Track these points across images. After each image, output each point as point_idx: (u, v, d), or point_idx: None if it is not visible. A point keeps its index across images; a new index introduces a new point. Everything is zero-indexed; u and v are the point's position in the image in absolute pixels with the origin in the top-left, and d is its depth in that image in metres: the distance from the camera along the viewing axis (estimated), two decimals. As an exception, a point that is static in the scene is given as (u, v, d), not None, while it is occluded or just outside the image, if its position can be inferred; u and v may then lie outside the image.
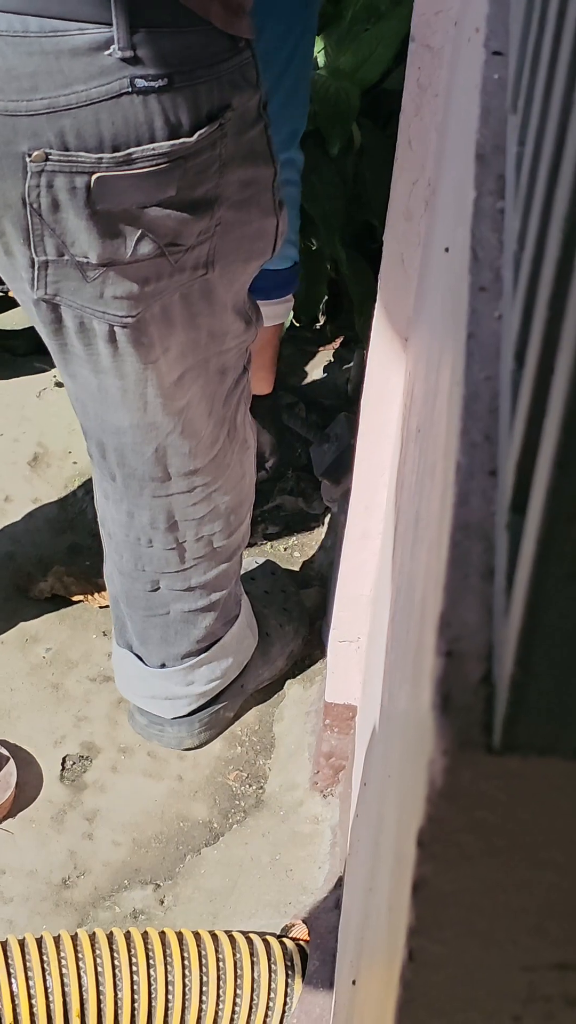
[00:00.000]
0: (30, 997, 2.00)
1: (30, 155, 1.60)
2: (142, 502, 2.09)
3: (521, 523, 0.58)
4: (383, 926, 0.86)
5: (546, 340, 0.56)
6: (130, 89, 1.57)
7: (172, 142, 1.62)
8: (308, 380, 3.26)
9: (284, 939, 2.12)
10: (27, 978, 2.00)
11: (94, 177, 1.61)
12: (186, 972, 2.03)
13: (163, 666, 2.37)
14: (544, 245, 0.61)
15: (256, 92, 1.71)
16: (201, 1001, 2.03)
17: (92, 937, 2.04)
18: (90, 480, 2.92)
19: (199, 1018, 2.04)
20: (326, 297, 3.25)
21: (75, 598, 2.73)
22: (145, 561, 2.19)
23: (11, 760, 2.41)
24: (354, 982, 1.31)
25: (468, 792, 0.58)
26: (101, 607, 2.70)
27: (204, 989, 2.03)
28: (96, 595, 2.72)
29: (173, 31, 1.58)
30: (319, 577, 2.82)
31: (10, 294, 3.29)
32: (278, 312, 2.73)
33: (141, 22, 1.55)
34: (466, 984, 0.65)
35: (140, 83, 1.57)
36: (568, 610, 0.52)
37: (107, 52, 1.55)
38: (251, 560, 2.72)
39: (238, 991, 2.04)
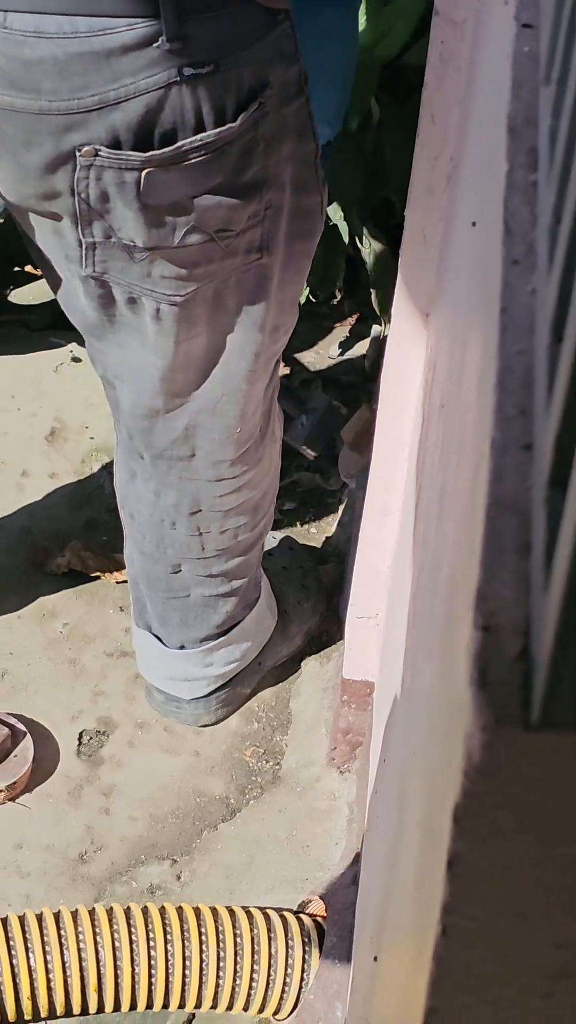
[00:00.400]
0: (47, 971, 2.00)
1: (80, 150, 1.60)
2: (170, 481, 2.08)
3: (560, 498, 0.58)
4: (410, 902, 0.86)
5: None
6: (178, 79, 1.57)
7: (219, 129, 1.62)
8: (325, 357, 3.25)
9: (301, 915, 2.12)
10: (44, 952, 2.00)
11: (143, 173, 1.62)
12: (203, 947, 2.03)
13: (182, 647, 2.36)
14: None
15: (295, 64, 1.70)
16: (218, 976, 2.03)
17: (109, 912, 2.04)
18: (107, 454, 2.92)
19: (215, 993, 2.04)
20: (343, 273, 3.24)
21: (92, 573, 2.73)
22: (168, 543, 2.19)
23: (28, 735, 2.41)
24: (376, 958, 1.31)
25: (505, 768, 0.57)
26: (118, 582, 2.70)
27: (221, 964, 2.03)
28: (114, 571, 2.72)
29: (217, 15, 1.58)
30: (336, 553, 2.82)
31: (27, 269, 3.29)
32: None
33: (188, 10, 1.55)
34: (498, 960, 0.65)
35: (188, 71, 1.57)
36: (610, 585, 0.51)
37: (155, 45, 1.55)
38: (268, 536, 2.71)
39: (255, 967, 2.04)
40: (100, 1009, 2.04)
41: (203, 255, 1.74)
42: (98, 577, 2.73)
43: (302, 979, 2.05)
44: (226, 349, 1.91)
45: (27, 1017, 2.03)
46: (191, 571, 2.23)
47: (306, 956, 2.06)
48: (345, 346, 3.28)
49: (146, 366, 1.89)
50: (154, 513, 2.15)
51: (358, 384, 3.16)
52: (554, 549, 0.56)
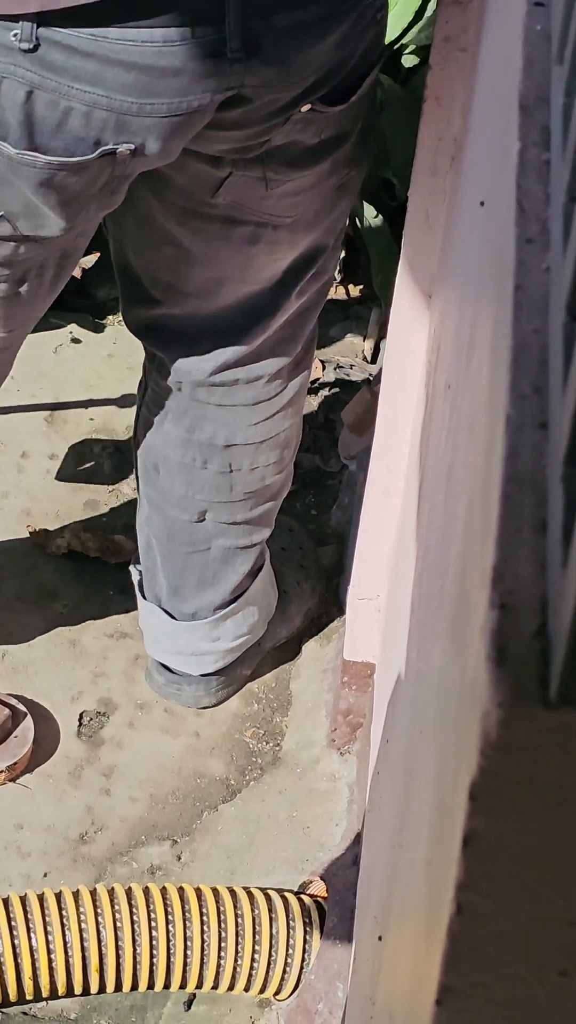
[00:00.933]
0: (49, 951, 2.00)
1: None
2: (207, 412, 2.14)
3: (578, 475, 0.58)
4: (421, 880, 0.86)
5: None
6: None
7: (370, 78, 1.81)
8: (325, 339, 3.25)
9: (302, 895, 2.12)
10: (46, 932, 2.01)
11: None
12: (204, 928, 2.03)
13: (193, 616, 2.36)
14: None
15: None
16: (219, 957, 2.03)
17: (110, 892, 2.04)
18: (107, 435, 2.92)
19: (216, 974, 2.04)
20: (344, 254, 3.23)
21: (92, 555, 2.73)
22: (196, 487, 2.20)
23: (28, 716, 2.42)
24: (380, 938, 1.31)
25: (522, 745, 0.58)
26: (117, 564, 2.70)
27: (222, 945, 2.03)
28: (114, 552, 2.72)
29: None
30: (336, 535, 2.82)
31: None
32: None
33: None
34: (513, 938, 0.65)
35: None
36: (632, 562, 0.51)
37: None
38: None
39: (256, 947, 2.04)
40: (101, 989, 2.04)
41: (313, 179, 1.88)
42: (98, 558, 2.73)
43: (303, 959, 2.06)
44: (295, 264, 2.01)
45: (28, 997, 2.03)
46: (215, 518, 2.25)
47: (307, 936, 2.06)
48: (345, 328, 3.28)
49: (232, 285, 1.98)
50: (186, 453, 2.18)
51: (358, 366, 3.16)
52: (572, 526, 0.56)
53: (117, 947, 2.01)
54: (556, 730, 0.57)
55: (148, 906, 2.03)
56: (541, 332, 0.71)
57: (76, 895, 2.04)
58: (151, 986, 2.05)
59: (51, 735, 2.47)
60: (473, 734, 0.59)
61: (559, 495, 0.60)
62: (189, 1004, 2.15)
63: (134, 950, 2.02)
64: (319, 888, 2.16)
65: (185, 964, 2.03)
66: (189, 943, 2.03)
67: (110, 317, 3.24)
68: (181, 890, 2.06)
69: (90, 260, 3.21)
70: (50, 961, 2.01)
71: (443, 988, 0.68)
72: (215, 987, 2.06)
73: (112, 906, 2.03)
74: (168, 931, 2.03)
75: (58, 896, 2.04)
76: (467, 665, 0.66)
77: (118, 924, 2.02)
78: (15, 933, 2.01)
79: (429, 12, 2.99)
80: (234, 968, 2.04)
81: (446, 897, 0.66)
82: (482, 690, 0.58)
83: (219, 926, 2.04)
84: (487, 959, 0.66)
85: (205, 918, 2.04)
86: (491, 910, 0.64)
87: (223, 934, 2.04)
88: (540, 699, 0.56)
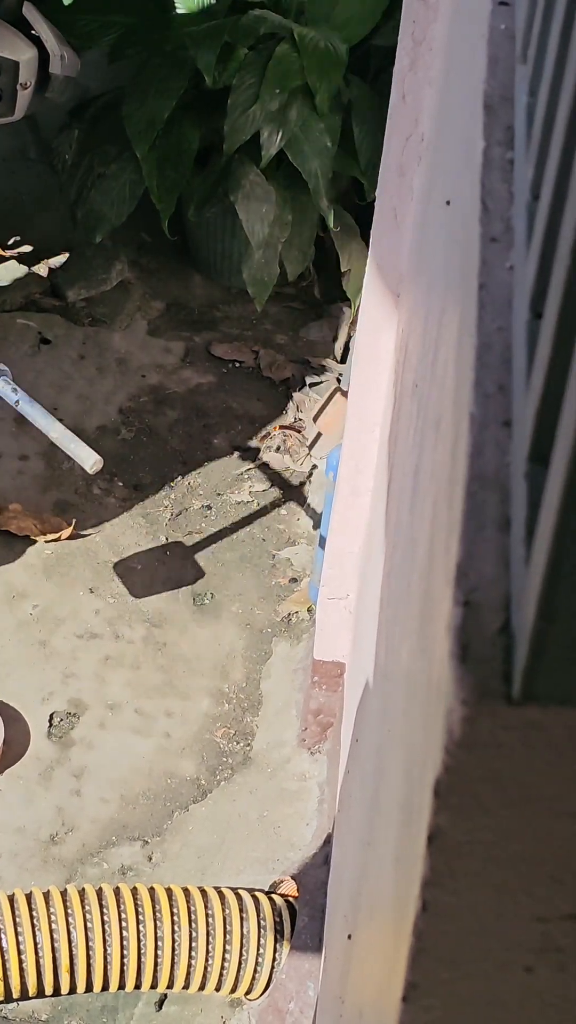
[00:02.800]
0: (19, 952, 2.00)
1: None
2: None
3: (541, 472, 0.58)
4: (388, 878, 0.86)
5: (568, 289, 0.55)
6: None
7: None
8: (296, 339, 3.25)
9: (273, 895, 2.12)
10: (16, 933, 2.00)
11: None
12: (175, 928, 2.03)
13: None
14: (564, 194, 0.60)
15: None
16: (190, 957, 2.03)
17: (81, 893, 2.04)
18: (78, 436, 2.92)
19: (187, 974, 2.04)
20: (314, 255, 3.24)
21: (21, 533, 2.74)
22: None
23: (-1, 718, 2.41)
24: (350, 937, 1.31)
25: (486, 742, 0.58)
26: (47, 541, 2.72)
27: (193, 945, 2.03)
28: (45, 532, 2.74)
29: None
30: (306, 535, 2.82)
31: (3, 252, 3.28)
32: None
33: None
34: (479, 935, 0.65)
35: None
36: (594, 558, 0.51)
37: None
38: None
39: (227, 947, 2.04)
40: (72, 990, 2.04)
41: None
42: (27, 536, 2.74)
43: (274, 959, 2.05)
44: None
45: (-1, 998, 2.03)
46: None
47: (278, 936, 2.06)
48: (315, 329, 3.28)
49: None
50: None
51: (328, 366, 3.16)
52: (535, 523, 0.56)
53: (88, 947, 2.01)
54: (520, 727, 0.57)
55: (119, 906, 2.03)
56: (505, 330, 0.71)
57: (47, 896, 2.03)
58: (122, 987, 2.04)
59: (21, 736, 2.46)
60: (438, 732, 0.59)
61: (522, 492, 0.60)
62: (160, 1004, 2.15)
63: (105, 950, 2.01)
64: (290, 887, 2.16)
65: (156, 964, 2.03)
66: (160, 943, 2.03)
67: (80, 318, 3.23)
68: (152, 890, 2.06)
69: (59, 260, 3.21)
70: (20, 962, 2.00)
71: (409, 985, 0.68)
72: (186, 987, 2.06)
73: (83, 906, 2.02)
74: (139, 931, 2.02)
75: (28, 897, 2.03)
76: (432, 663, 0.66)
77: (89, 925, 2.01)
78: (-15, 935, 2.00)
79: (398, 13, 2.99)
80: (205, 968, 2.04)
81: (412, 894, 0.66)
82: (446, 687, 0.58)
83: (190, 926, 2.03)
84: (453, 956, 0.66)
85: (176, 918, 2.04)
86: (457, 907, 0.64)
87: (194, 934, 2.03)
88: (504, 696, 0.56)
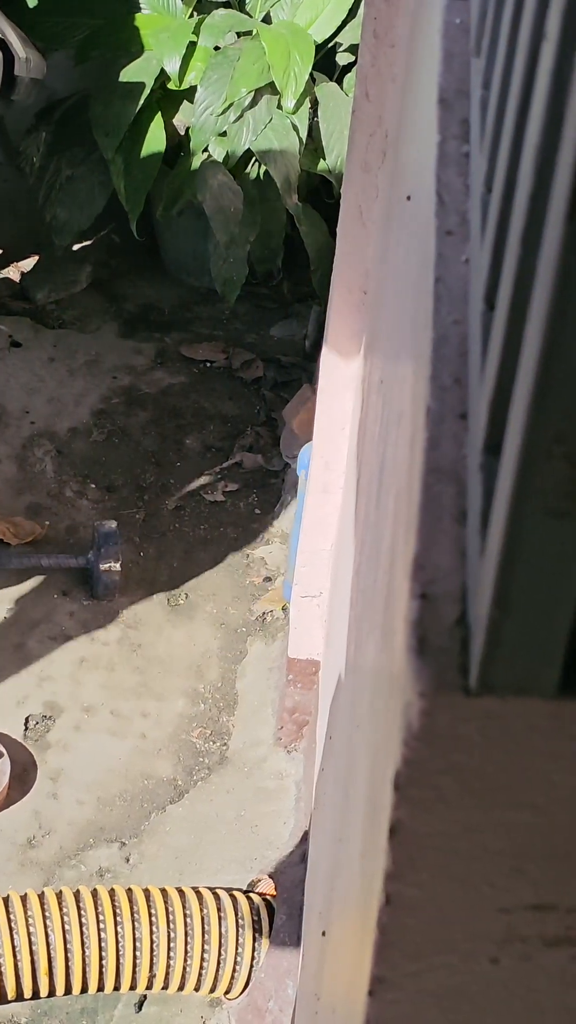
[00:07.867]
0: (-2, 956, 1.99)
1: None
2: None
3: (495, 463, 0.58)
4: (356, 873, 0.86)
5: (519, 279, 0.55)
6: None
7: None
8: (267, 337, 3.25)
9: (251, 894, 2.12)
10: (-6, 937, 2.00)
11: None
12: (154, 929, 2.03)
13: None
14: (514, 185, 0.60)
15: None
16: (169, 957, 2.03)
17: (59, 895, 2.03)
18: (48, 439, 2.91)
19: (167, 974, 2.04)
20: (283, 253, 3.23)
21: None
22: None
23: (5, 755, 2.38)
24: (324, 933, 1.31)
25: (445, 734, 0.57)
26: (21, 543, 2.71)
27: (172, 945, 2.03)
28: (15, 535, 2.73)
29: None
30: (280, 534, 2.82)
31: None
32: None
33: None
34: (443, 927, 0.65)
35: None
36: (545, 547, 0.51)
37: None
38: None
39: (206, 947, 2.04)
40: (51, 993, 2.03)
41: None
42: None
43: (253, 958, 2.05)
44: None
45: (-22, 1003, 2.02)
46: None
47: (256, 935, 2.06)
48: (285, 326, 3.28)
49: None
50: None
51: (299, 364, 3.16)
52: (490, 515, 0.56)
53: (66, 950, 2.01)
54: (477, 718, 0.57)
55: (97, 908, 2.03)
56: (461, 323, 0.71)
57: (24, 899, 2.03)
58: (101, 988, 2.04)
59: (-3, 740, 2.46)
60: (397, 725, 0.59)
61: (478, 484, 0.60)
62: (140, 1005, 2.14)
63: (83, 953, 2.01)
64: (268, 886, 2.16)
65: (135, 965, 2.03)
66: (138, 944, 2.03)
67: (51, 320, 3.23)
68: (129, 891, 2.06)
69: (28, 263, 3.21)
70: (-1, 966, 2.00)
71: (375, 979, 0.68)
72: (165, 988, 2.06)
73: (60, 909, 2.02)
74: (117, 933, 2.02)
75: (5, 900, 2.03)
76: (392, 656, 0.66)
77: (67, 927, 2.01)
78: (-37, 939, 2.00)
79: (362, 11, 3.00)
80: (184, 968, 2.04)
81: (376, 888, 0.66)
82: (405, 680, 0.58)
83: (168, 926, 2.03)
84: (417, 949, 0.66)
85: (154, 919, 2.03)
86: (420, 900, 0.64)
87: (172, 934, 2.03)
88: (461, 687, 0.56)
